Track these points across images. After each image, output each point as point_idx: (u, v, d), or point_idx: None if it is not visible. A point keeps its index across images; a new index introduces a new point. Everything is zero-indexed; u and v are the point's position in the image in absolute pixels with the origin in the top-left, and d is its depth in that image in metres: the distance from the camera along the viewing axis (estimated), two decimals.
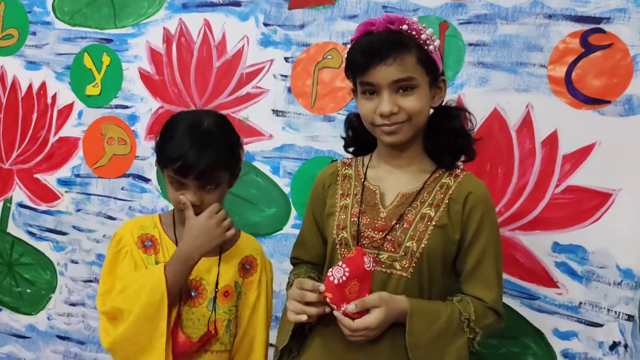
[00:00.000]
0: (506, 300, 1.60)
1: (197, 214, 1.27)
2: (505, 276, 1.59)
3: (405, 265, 1.18)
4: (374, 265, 1.16)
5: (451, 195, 1.22)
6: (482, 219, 1.21)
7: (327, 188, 1.34)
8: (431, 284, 1.20)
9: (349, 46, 1.22)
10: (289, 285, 1.35)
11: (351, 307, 1.09)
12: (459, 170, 1.26)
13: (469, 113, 1.28)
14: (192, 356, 1.31)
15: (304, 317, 1.13)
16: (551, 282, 1.58)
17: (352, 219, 1.25)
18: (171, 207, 1.42)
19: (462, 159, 1.29)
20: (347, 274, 1.11)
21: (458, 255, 1.23)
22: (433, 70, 1.21)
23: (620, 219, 1.50)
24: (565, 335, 1.57)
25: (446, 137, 1.25)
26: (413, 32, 1.17)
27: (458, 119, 1.26)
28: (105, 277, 1.33)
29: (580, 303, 1.55)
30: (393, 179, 1.27)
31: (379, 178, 1.28)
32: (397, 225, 1.20)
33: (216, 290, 1.32)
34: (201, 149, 1.23)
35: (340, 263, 1.12)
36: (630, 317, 1.49)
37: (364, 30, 1.19)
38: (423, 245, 1.18)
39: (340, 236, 1.25)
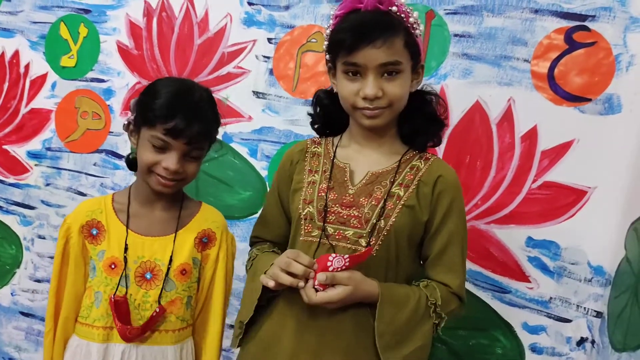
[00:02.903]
0: (478, 292, 1.62)
1: (173, 182, 1.24)
2: (477, 269, 1.62)
3: (372, 243, 1.17)
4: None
5: (421, 177, 1.22)
6: (450, 204, 1.21)
7: (295, 164, 1.32)
8: (398, 264, 1.20)
9: (331, 21, 1.20)
10: (250, 260, 1.32)
11: (322, 277, 1.08)
12: (430, 154, 1.27)
13: (440, 97, 1.29)
14: (142, 339, 1.28)
15: (271, 283, 1.12)
16: (523, 277, 1.59)
17: (319, 194, 1.23)
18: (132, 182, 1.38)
19: (430, 144, 1.29)
20: (345, 267, 1.11)
21: (424, 239, 1.24)
22: (416, 55, 1.20)
23: (594, 216, 1.51)
24: (534, 330, 1.58)
25: (422, 121, 1.25)
26: (402, 15, 1.15)
27: (432, 104, 1.27)
28: (54, 280, 1.35)
29: (551, 298, 1.56)
30: (363, 158, 1.26)
31: (349, 157, 1.27)
32: (366, 202, 1.19)
33: (169, 267, 1.29)
34: (197, 114, 1.22)
35: (345, 256, 1.10)
36: (598, 314, 1.50)
37: (351, 7, 1.16)
38: (391, 223, 1.18)
39: (306, 210, 1.23)
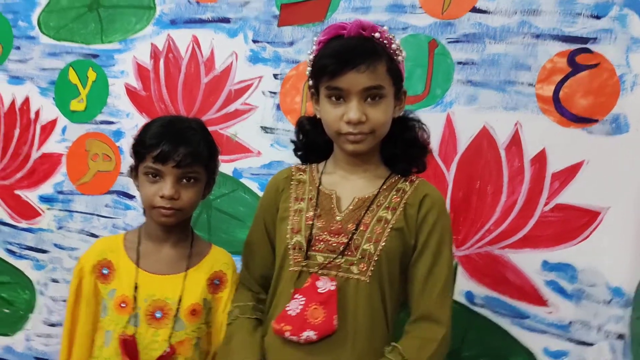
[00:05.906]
0: (496, 319, 1.60)
1: (171, 210, 1.25)
2: (494, 295, 1.60)
3: (363, 269, 1.16)
4: (333, 284, 1.14)
5: (407, 199, 1.22)
6: (436, 222, 1.20)
7: (281, 192, 1.31)
8: (392, 290, 1.18)
9: (314, 47, 1.22)
10: (230, 320, 1.28)
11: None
12: (415, 177, 1.27)
13: (422, 123, 1.29)
14: None
15: None
16: (541, 301, 1.57)
17: (306, 223, 1.22)
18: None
19: (414, 170, 1.29)
20: (302, 303, 1.11)
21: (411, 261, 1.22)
22: (399, 81, 1.22)
23: (608, 237, 1.50)
24: (556, 355, 1.55)
25: (402, 147, 1.26)
26: (385, 41, 1.17)
27: (413, 130, 1.27)
28: (67, 320, 1.38)
29: (571, 322, 1.54)
30: (349, 184, 1.26)
31: (334, 183, 1.27)
32: (354, 228, 1.19)
33: (178, 308, 1.28)
34: (182, 138, 1.25)
35: (296, 295, 1.12)
36: (620, 336, 1.48)
37: (335, 33, 1.18)
38: (380, 247, 1.17)
39: (294, 240, 1.22)
